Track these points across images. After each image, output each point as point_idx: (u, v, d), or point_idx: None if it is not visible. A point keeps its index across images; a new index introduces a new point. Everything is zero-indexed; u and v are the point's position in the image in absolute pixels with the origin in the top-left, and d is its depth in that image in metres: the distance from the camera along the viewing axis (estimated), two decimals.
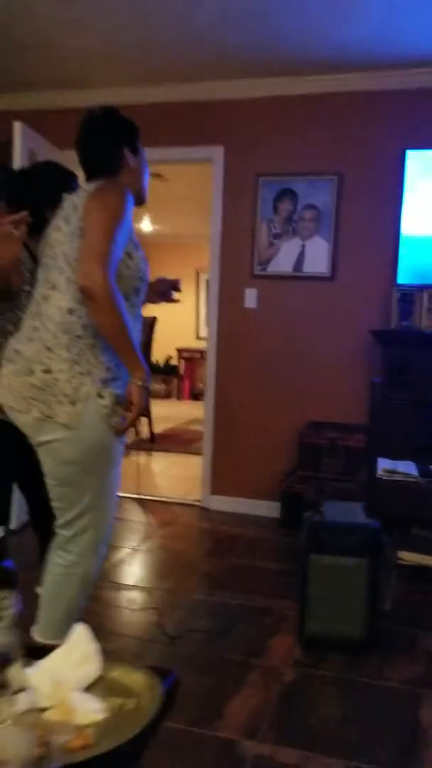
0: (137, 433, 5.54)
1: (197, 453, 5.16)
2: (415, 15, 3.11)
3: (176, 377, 10.33)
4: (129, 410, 1.81)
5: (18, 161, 3.65)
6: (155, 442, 6.48)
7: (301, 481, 3.84)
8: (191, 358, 10.23)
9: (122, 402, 1.82)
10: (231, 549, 3.56)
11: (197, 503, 4.36)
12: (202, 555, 3.49)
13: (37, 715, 0.68)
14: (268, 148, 4.06)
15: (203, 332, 9.98)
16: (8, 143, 3.75)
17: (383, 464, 2.97)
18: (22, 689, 0.67)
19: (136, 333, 1.88)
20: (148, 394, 1.83)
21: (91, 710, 0.82)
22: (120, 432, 1.84)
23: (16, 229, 1.94)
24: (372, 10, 3.07)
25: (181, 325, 10.14)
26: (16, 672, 0.66)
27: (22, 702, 0.66)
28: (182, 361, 10.33)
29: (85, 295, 1.73)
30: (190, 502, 4.39)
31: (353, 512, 2.58)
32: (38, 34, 3.49)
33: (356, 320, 3.94)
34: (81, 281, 1.72)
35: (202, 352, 9.53)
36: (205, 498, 4.33)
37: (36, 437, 1.86)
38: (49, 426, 1.82)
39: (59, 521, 1.93)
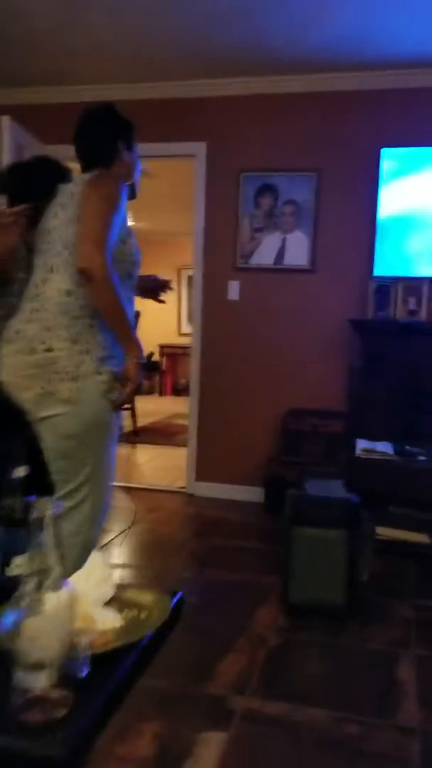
0: (120, 426, 5.64)
1: (181, 445, 5.27)
2: (389, 18, 3.26)
3: (158, 373, 10.43)
4: (125, 386, 1.93)
5: (6, 156, 3.74)
6: (139, 435, 6.58)
7: (284, 466, 3.98)
8: (173, 354, 10.33)
9: (119, 379, 1.94)
10: (217, 531, 3.68)
11: (182, 490, 4.48)
12: (189, 537, 3.61)
13: (72, 609, 0.80)
14: (250, 144, 4.19)
15: (185, 328, 10.09)
16: None
17: (362, 445, 3.11)
18: (61, 585, 0.78)
19: (129, 314, 2.00)
20: (143, 371, 1.96)
21: (109, 620, 0.94)
22: (117, 406, 1.96)
23: (15, 223, 2.04)
24: (348, 12, 3.22)
25: (163, 321, 10.23)
26: (57, 569, 0.77)
27: (61, 595, 0.78)
28: (165, 358, 10.43)
29: (85, 276, 1.84)
30: (175, 489, 4.51)
31: (334, 488, 2.72)
32: (27, 32, 3.59)
33: (335, 311, 4.09)
34: (80, 263, 1.84)
35: (184, 348, 9.64)
36: (191, 485, 4.45)
37: (37, 413, 1.96)
38: (51, 402, 1.92)
39: (59, 493, 2.03)
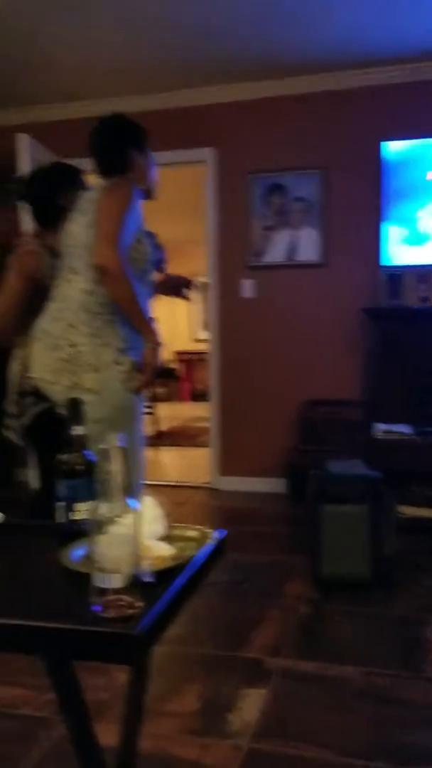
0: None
1: (202, 446, 5.41)
2: (379, 17, 3.42)
3: (175, 380, 10.57)
4: (145, 370, 2.08)
5: (24, 173, 3.92)
6: (160, 439, 6.73)
7: (304, 455, 4.10)
8: (189, 360, 10.48)
9: (138, 366, 2.10)
10: (243, 519, 3.81)
11: (207, 485, 4.61)
12: (217, 525, 3.72)
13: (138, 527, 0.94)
14: (256, 147, 4.35)
15: (200, 334, 10.24)
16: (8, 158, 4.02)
17: (381, 427, 3.23)
18: (128, 506, 0.92)
19: (145, 308, 2.15)
20: (161, 354, 2.11)
21: (163, 549, 1.08)
22: (138, 390, 2.11)
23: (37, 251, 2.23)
24: (339, 14, 3.38)
25: (177, 328, 10.40)
26: (120, 501, 0.92)
27: (129, 514, 0.92)
28: (181, 364, 10.58)
29: (100, 272, 2.01)
30: (200, 485, 4.65)
31: (355, 466, 2.85)
32: (41, 52, 3.78)
33: (348, 303, 4.21)
34: (96, 261, 2.01)
35: (200, 354, 9.79)
36: (215, 479, 4.58)
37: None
38: (78, 392, 2.06)
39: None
